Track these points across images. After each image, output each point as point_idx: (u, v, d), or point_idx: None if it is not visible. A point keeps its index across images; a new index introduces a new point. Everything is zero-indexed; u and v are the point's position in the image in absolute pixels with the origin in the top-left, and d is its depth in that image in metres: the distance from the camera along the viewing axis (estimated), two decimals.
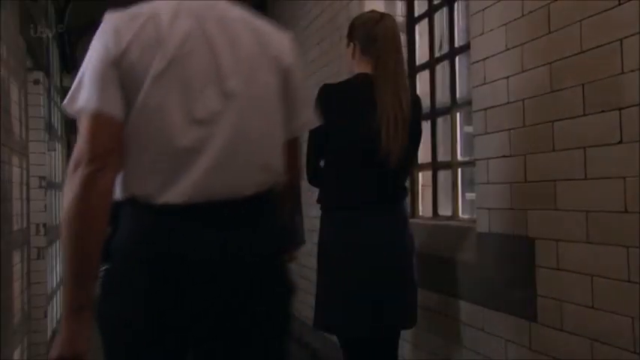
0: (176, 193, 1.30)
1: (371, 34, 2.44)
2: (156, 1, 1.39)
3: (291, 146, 1.53)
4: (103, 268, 1.33)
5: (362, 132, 2.36)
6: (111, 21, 1.34)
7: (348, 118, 2.39)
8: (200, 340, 1.34)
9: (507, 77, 2.37)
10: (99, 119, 1.28)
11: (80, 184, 1.25)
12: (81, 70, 1.35)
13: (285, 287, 1.44)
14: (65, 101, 1.35)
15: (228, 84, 1.35)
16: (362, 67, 2.47)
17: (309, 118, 1.57)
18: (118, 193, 1.33)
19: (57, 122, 5.83)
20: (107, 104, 1.29)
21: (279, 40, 1.48)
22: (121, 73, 1.30)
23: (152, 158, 1.31)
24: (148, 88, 1.30)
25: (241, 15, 1.44)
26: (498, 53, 2.42)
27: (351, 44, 2.51)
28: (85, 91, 1.31)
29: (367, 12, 2.65)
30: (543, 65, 2.17)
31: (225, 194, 1.33)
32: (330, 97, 2.42)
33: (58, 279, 5.64)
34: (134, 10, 1.36)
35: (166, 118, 1.30)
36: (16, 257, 3.59)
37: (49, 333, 4.73)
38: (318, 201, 2.52)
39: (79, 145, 1.29)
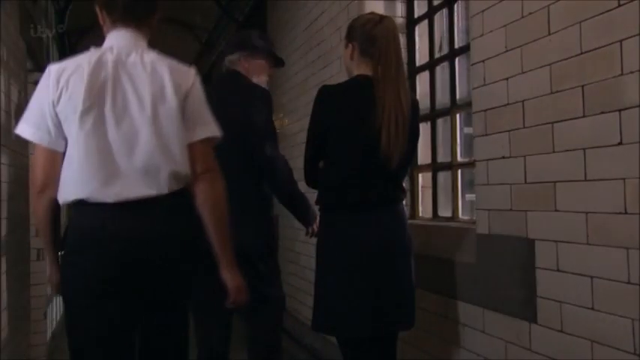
0: (107, 195, 1.81)
1: (370, 36, 2.43)
2: (88, 51, 1.92)
3: (197, 148, 1.92)
4: (65, 244, 1.94)
5: (362, 133, 2.37)
6: (50, 72, 1.87)
7: (348, 120, 2.39)
8: (123, 283, 1.84)
9: (507, 78, 2.37)
10: (45, 154, 1.88)
11: (34, 201, 1.98)
12: (30, 104, 1.90)
13: (183, 259, 1.91)
14: (17, 127, 1.90)
15: (140, 114, 1.84)
16: (361, 69, 2.47)
17: (207, 130, 1.95)
18: (66, 197, 1.87)
19: None
20: (52, 142, 1.86)
21: (180, 72, 1.94)
22: (57, 111, 1.83)
23: (88, 170, 1.81)
24: (79, 122, 1.80)
25: (152, 58, 1.92)
26: (498, 54, 2.42)
27: (350, 45, 2.50)
28: (30, 125, 1.88)
29: (366, 14, 2.65)
30: (543, 66, 2.17)
31: (140, 195, 1.82)
32: (329, 98, 2.43)
33: None
34: (68, 62, 1.88)
35: (96, 142, 1.81)
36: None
37: (49, 334, 4.73)
38: (318, 202, 2.52)
39: (32, 170, 1.96)
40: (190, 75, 1.96)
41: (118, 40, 1.94)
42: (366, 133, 2.35)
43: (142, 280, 1.83)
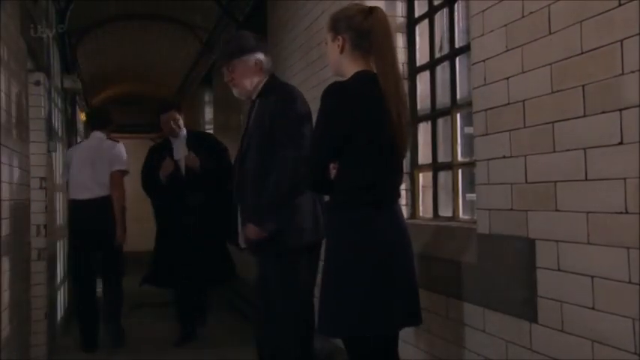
0: (80, 195, 4.88)
1: (363, 29, 2.35)
2: (84, 141, 5.74)
3: (113, 177, 4.86)
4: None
5: (383, 129, 2.33)
6: (69, 150, 5.41)
7: (371, 116, 2.33)
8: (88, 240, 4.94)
9: (508, 78, 2.37)
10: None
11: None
12: (64, 164, 5.42)
13: (107, 225, 4.80)
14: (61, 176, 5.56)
15: (94, 165, 4.85)
16: (355, 63, 2.39)
17: (116, 167, 4.88)
18: (70, 197, 5.14)
19: (57, 123, 5.83)
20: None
21: (113, 147, 4.96)
22: (70, 165, 5.01)
23: (73, 186, 4.98)
24: (76, 169, 4.93)
25: (106, 144, 5.01)
26: (499, 54, 2.42)
27: (340, 38, 2.40)
28: (65, 173, 5.25)
29: (352, 5, 2.51)
30: (544, 66, 2.17)
31: (90, 196, 4.85)
32: (349, 95, 2.34)
33: (59, 280, 5.64)
34: (76, 146, 5.64)
35: (78, 175, 4.92)
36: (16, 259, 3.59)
37: (50, 334, 4.73)
38: (340, 201, 2.43)
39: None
40: (116, 148, 4.96)
41: (95, 136, 5.06)
42: (385, 129, 2.32)
43: (92, 228, 4.77)
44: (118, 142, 5.12)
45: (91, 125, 5.25)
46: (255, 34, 3.41)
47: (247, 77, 3.17)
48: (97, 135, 5.03)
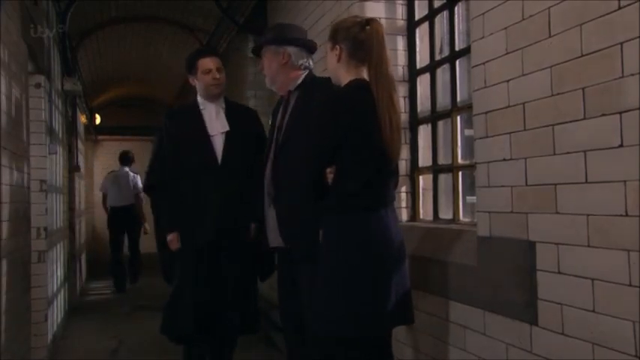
0: (117, 203, 8.89)
1: (358, 40, 2.46)
2: (115, 172, 9.21)
3: (138, 196, 8.86)
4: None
5: (377, 134, 2.41)
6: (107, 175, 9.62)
7: (366, 122, 2.42)
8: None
9: (508, 81, 2.37)
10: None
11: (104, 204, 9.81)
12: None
13: (129, 218, 8.91)
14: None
15: (124, 186, 8.86)
16: (351, 72, 2.50)
17: (137, 192, 8.84)
18: (109, 205, 9.18)
19: (58, 126, 5.83)
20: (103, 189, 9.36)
21: (136, 177, 8.95)
22: (108, 186, 9.16)
23: (111, 197, 9.01)
24: (110, 186, 9.04)
25: (130, 175, 8.98)
26: (499, 57, 2.42)
27: (337, 47, 2.52)
28: (101, 188, 9.49)
29: (351, 16, 2.69)
30: (544, 69, 2.17)
31: (125, 204, 8.86)
32: (340, 104, 2.45)
33: (59, 283, 5.64)
34: (112, 173, 9.39)
35: (112, 190, 8.98)
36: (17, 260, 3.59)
37: (50, 337, 4.73)
38: (331, 205, 2.49)
39: (104, 197, 9.52)
40: (137, 179, 8.77)
41: (121, 169, 8.97)
42: (378, 135, 2.40)
43: (121, 219, 8.78)
44: (137, 173, 8.71)
45: (122, 163, 8.92)
46: (300, 28, 3.26)
47: (273, 68, 3.06)
48: (125, 169, 8.86)
